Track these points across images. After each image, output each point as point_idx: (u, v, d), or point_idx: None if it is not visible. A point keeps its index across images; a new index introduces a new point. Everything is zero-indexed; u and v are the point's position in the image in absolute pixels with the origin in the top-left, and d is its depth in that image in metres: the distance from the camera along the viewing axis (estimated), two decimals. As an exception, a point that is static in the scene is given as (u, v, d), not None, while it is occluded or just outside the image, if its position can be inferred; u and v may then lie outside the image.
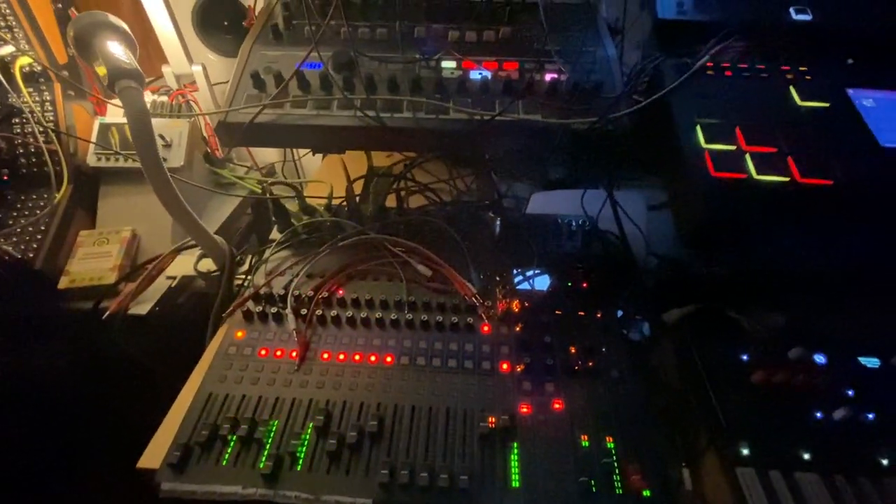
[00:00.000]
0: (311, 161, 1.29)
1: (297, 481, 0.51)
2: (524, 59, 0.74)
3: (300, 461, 0.52)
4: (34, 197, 0.79)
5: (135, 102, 0.58)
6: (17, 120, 0.80)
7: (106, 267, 0.75)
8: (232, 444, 0.53)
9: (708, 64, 0.69)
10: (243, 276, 0.76)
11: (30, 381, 0.72)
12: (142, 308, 0.71)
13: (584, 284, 0.72)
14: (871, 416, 0.54)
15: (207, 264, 0.77)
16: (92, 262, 0.75)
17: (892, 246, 0.55)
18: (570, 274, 0.72)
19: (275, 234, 0.82)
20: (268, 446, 0.53)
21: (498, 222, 0.75)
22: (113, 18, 0.60)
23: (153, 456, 0.57)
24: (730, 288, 0.66)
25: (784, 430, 0.53)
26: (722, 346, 0.61)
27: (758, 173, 0.58)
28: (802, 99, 0.65)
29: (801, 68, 0.69)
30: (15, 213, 0.77)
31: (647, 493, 0.49)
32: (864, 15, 0.73)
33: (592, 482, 0.50)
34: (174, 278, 0.76)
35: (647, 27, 0.79)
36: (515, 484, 0.50)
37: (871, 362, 0.59)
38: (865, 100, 0.64)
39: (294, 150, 1.27)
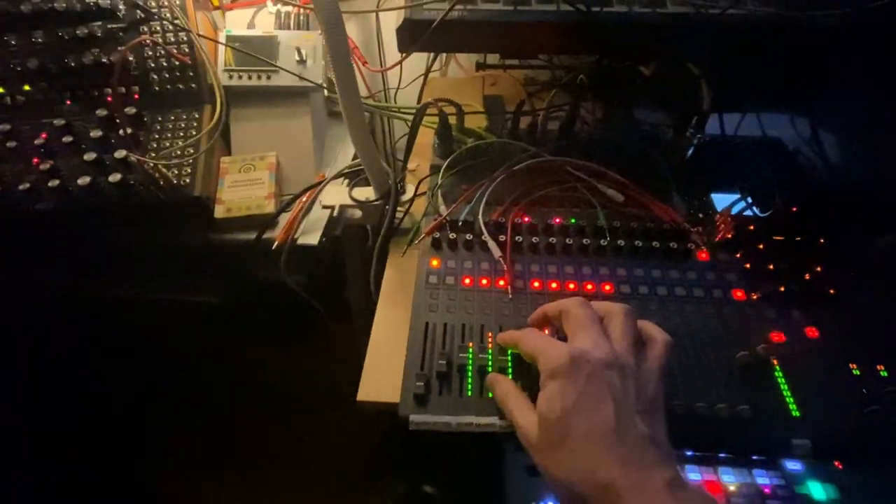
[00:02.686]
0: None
1: (554, 411, 0.47)
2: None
3: (550, 391, 0.48)
4: (172, 118, 0.70)
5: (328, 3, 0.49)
6: (145, 28, 0.70)
7: (261, 195, 0.68)
8: (470, 373, 0.50)
9: None
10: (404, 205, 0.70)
11: (191, 315, 0.69)
12: (311, 238, 0.66)
13: (793, 209, 0.65)
14: None
15: (365, 193, 0.71)
16: (243, 189, 0.69)
17: None
18: (776, 199, 0.66)
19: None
20: (510, 374, 0.49)
21: (695, 140, 0.67)
22: None
23: (371, 389, 0.54)
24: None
25: None
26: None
27: None
28: None
29: None
30: (156, 136, 0.69)
31: (944, 422, 0.46)
32: None
33: (881, 410, 0.46)
34: (331, 207, 0.70)
35: None
36: (795, 413, 0.47)
37: None
38: None
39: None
